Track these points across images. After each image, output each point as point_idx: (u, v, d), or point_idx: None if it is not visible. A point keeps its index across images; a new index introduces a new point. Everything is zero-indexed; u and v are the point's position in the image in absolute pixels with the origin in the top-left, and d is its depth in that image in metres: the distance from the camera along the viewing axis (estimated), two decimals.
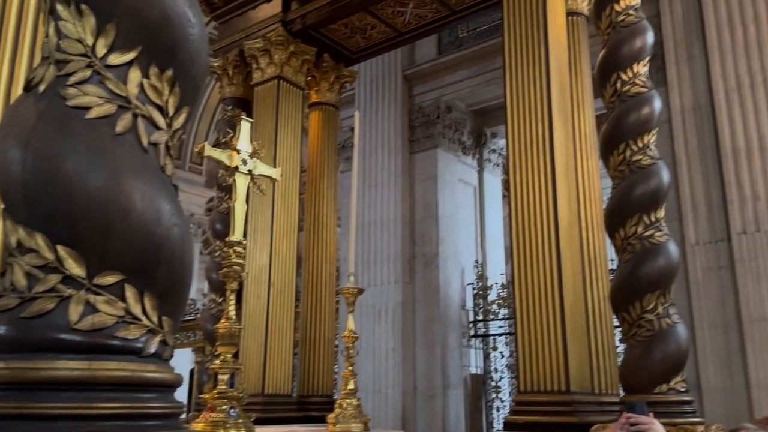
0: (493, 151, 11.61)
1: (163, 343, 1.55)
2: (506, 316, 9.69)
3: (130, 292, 1.46)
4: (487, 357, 9.99)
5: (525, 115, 4.90)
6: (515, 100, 4.96)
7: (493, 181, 11.67)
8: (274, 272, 6.08)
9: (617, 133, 4.40)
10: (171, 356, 1.62)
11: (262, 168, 3.82)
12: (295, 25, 6.67)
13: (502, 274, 10.40)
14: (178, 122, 1.63)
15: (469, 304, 10.12)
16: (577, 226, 5.00)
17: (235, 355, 3.54)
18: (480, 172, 11.58)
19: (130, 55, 1.53)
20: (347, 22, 6.81)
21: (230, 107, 6.81)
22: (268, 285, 6.00)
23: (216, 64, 6.98)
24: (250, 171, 3.75)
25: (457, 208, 10.60)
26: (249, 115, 6.62)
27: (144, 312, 1.48)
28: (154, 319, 1.51)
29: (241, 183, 3.73)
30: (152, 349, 1.50)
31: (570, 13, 5.55)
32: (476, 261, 10.47)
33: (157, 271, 1.49)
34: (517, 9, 5.05)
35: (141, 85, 1.54)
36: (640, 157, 4.27)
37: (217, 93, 9.21)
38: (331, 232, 6.90)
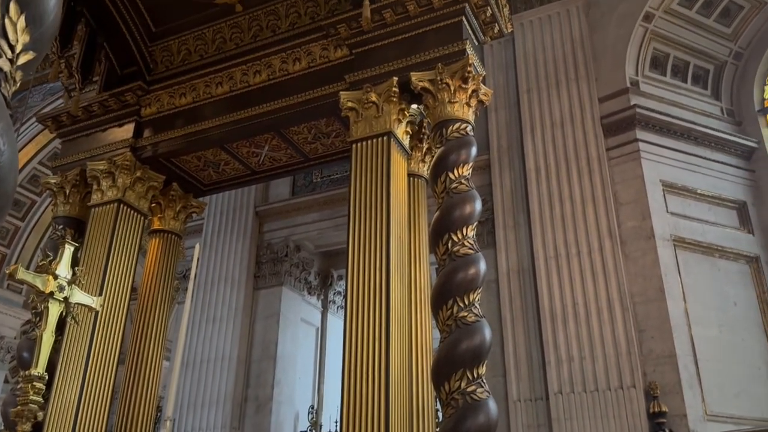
0: (339, 293, 11.74)
1: None
2: None
3: None
4: None
5: (365, 264, 5.06)
6: (357, 248, 5.14)
7: (337, 323, 11.67)
8: (83, 411, 5.46)
9: (446, 290, 4.65)
10: None
11: (79, 296, 3.56)
12: (145, 152, 6.59)
13: (336, 422, 10.11)
14: None
15: None
16: (407, 377, 5.07)
17: None
18: (324, 314, 11.59)
19: None
20: (201, 155, 6.85)
21: (61, 227, 6.40)
22: (73, 426, 5.35)
23: (53, 181, 6.63)
24: (65, 298, 3.48)
25: (297, 348, 10.40)
26: (82, 236, 6.25)
27: None
28: None
29: (54, 310, 3.44)
30: None
31: (412, 175, 6.00)
32: (311, 406, 10.15)
33: None
34: (363, 165, 5.37)
35: None
36: (466, 313, 4.52)
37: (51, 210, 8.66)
38: (156, 367, 6.42)
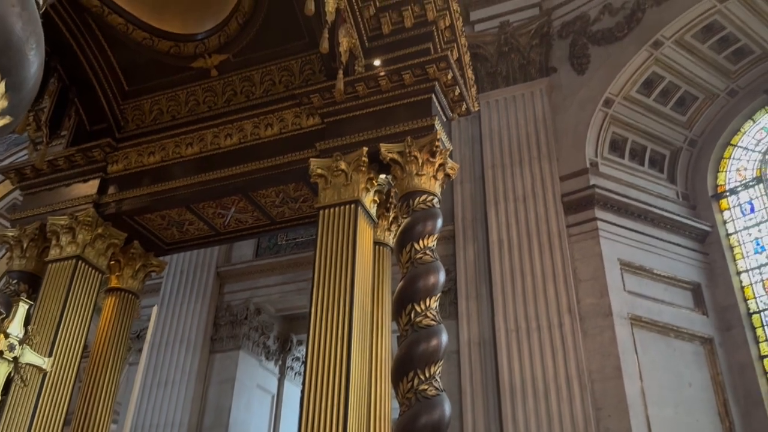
0: (297, 359, 11.51)
1: None
2: None
3: None
4: None
5: (326, 330, 5.01)
6: (319, 314, 5.09)
7: (294, 390, 11.39)
8: None
9: (408, 361, 4.62)
10: None
11: (30, 357, 3.44)
12: (108, 209, 6.52)
13: None
14: None
15: None
16: None
17: None
18: (281, 380, 11.32)
19: None
20: (165, 214, 6.80)
21: (15, 281, 6.21)
22: None
23: (11, 234, 6.48)
24: (15, 358, 3.36)
25: (251, 416, 10.08)
26: (36, 292, 6.07)
27: None
28: None
29: (1, 371, 3.30)
30: None
31: (377, 243, 6.05)
32: None
33: None
34: (330, 231, 5.40)
35: None
36: (427, 387, 4.49)
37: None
38: (103, 431, 6.14)
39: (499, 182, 9.74)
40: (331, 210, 5.45)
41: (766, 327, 9.49)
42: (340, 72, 5.59)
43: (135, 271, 6.92)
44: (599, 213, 9.42)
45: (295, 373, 11.40)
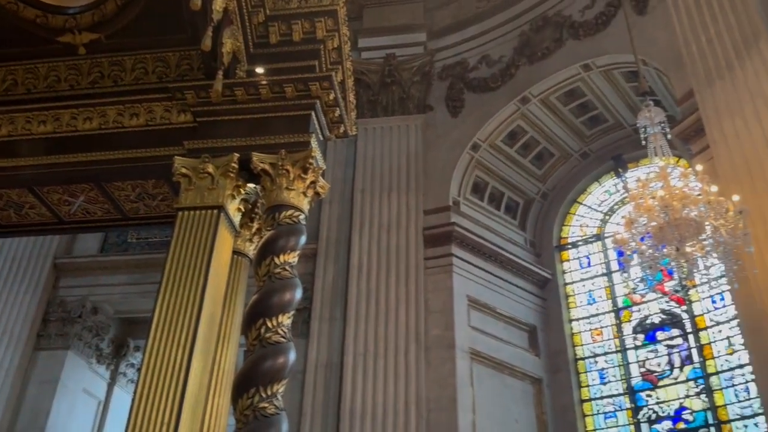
0: (132, 365, 10.85)
1: None
2: None
3: None
4: None
5: (168, 338, 4.75)
6: (162, 320, 4.82)
7: (125, 399, 10.66)
8: None
9: (251, 377, 4.50)
10: None
11: None
12: None
13: None
14: None
15: None
16: None
17: None
18: (111, 386, 10.60)
19: None
20: (3, 193, 6.17)
21: None
22: None
23: None
24: None
25: (71, 421, 9.32)
26: None
27: None
28: None
29: None
30: None
31: (237, 253, 5.87)
32: None
33: None
34: (187, 235, 5.16)
35: None
36: (266, 405, 4.38)
37: None
38: None
39: (367, 207, 9.91)
40: (192, 213, 5.22)
41: (589, 373, 10.34)
42: (220, 73, 5.42)
43: None
44: (455, 249, 9.85)
45: (128, 380, 10.72)
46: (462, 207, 10.60)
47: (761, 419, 7.85)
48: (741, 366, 8.87)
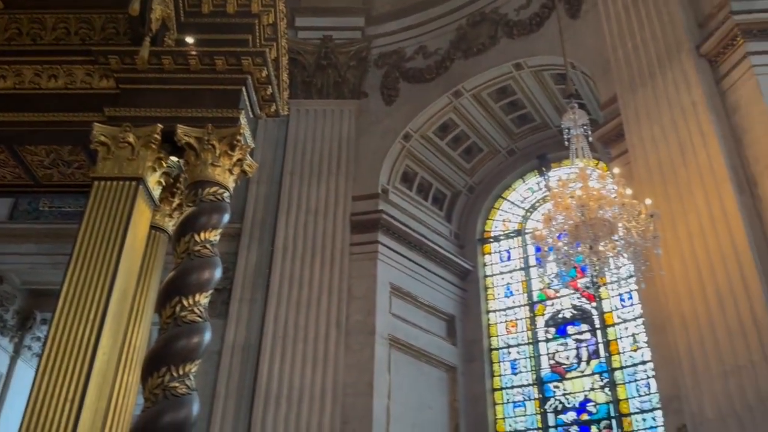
0: (38, 338, 10.36)
1: None
2: None
3: None
4: None
5: (77, 313, 4.55)
6: (71, 293, 4.62)
7: (29, 373, 10.18)
8: None
9: (162, 355, 4.38)
10: None
11: None
12: None
13: None
14: None
15: None
16: None
17: None
18: (14, 359, 10.10)
19: None
20: None
21: None
22: None
23: None
24: None
25: None
26: None
27: None
28: None
29: None
30: None
31: (155, 228, 5.68)
32: None
33: None
34: (103, 206, 4.95)
35: None
36: (177, 384, 4.28)
37: None
38: None
39: (295, 190, 9.81)
40: (108, 183, 5.01)
41: (501, 363, 10.67)
42: (147, 39, 5.21)
43: None
44: (381, 237, 9.91)
45: (33, 354, 10.26)
46: (390, 195, 10.65)
47: (659, 413, 8.32)
48: (644, 362, 9.36)
